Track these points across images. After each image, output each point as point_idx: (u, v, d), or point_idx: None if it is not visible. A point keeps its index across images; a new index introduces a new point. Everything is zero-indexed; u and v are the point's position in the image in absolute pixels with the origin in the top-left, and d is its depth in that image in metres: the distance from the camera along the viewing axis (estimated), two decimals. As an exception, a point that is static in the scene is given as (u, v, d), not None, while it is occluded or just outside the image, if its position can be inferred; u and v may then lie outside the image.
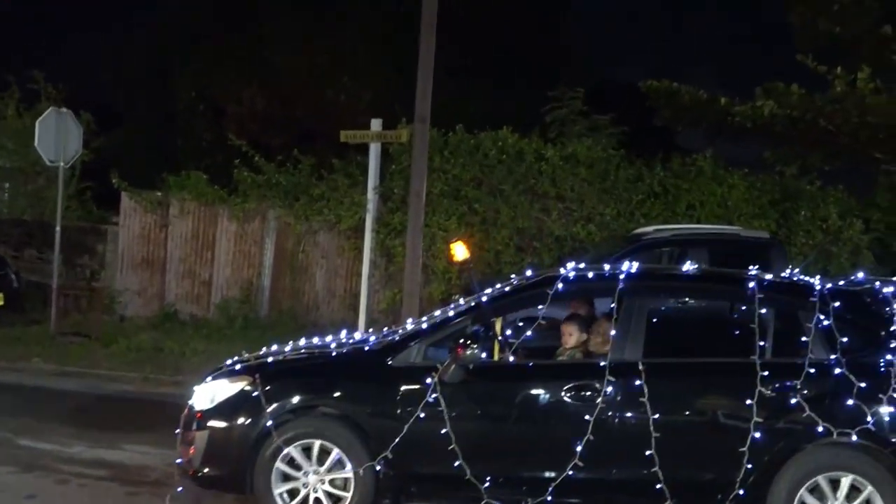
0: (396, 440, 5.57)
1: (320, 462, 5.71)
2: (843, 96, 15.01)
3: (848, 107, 15.07)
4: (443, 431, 5.54)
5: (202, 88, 21.87)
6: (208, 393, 6.00)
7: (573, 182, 13.01)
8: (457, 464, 5.53)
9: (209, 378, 6.17)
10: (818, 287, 5.75)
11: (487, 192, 12.78)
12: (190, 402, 6.05)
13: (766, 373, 5.42)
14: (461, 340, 5.89)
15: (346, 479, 5.70)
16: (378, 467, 5.62)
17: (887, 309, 5.70)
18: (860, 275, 6.23)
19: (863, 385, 5.30)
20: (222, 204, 13.96)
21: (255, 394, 5.76)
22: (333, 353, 6.25)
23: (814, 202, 14.07)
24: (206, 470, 5.86)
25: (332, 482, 5.74)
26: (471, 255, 9.83)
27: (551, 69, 20.14)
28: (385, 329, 6.95)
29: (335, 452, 5.70)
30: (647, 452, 5.40)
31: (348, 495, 5.69)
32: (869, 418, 5.24)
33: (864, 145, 16.35)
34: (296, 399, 5.82)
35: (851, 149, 16.77)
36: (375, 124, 12.39)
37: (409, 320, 7.02)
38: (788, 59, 16.08)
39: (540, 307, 5.97)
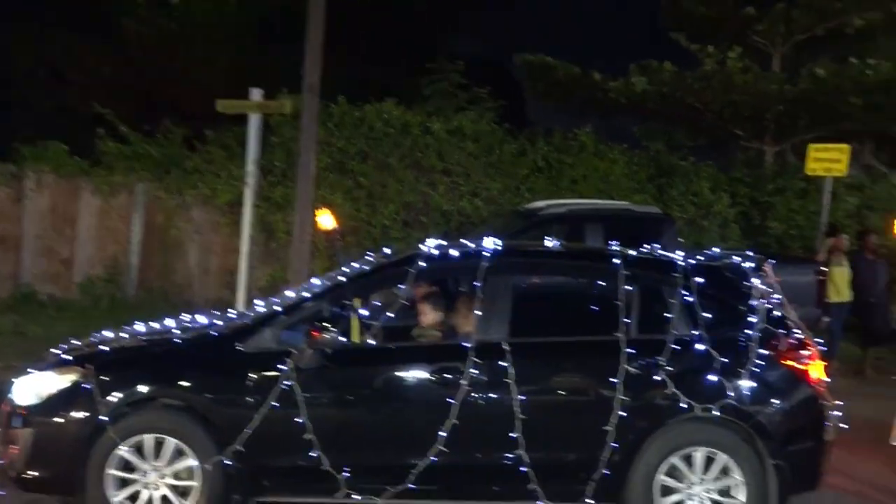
0: (247, 432, 5.27)
1: (160, 456, 5.34)
2: (712, 75, 15.47)
3: (715, 85, 15.54)
4: (298, 420, 5.28)
5: (41, 53, 20.18)
6: (32, 386, 5.46)
7: (459, 156, 12.83)
8: (313, 454, 5.30)
9: (33, 369, 5.60)
10: (681, 263, 5.76)
11: (373, 165, 12.39)
12: (9, 397, 5.49)
13: (631, 350, 5.42)
14: (318, 323, 5.65)
15: (191, 472, 5.35)
16: (227, 461, 5.29)
17: (746, 284, 5.75)
18: (716, 249, 6.31)
19: (724, 360, 5.38)
20: (84, 177, 12.93)
21: (88, 386, 5.31)
22: (177, 339, 5.79)
23: (687, 178, 14.40)
24: (31, 472, 5.39)
25: (176, 475, 5.36)
26: (339, 225, 9.44)
27: (430, 41, 19.94)
28: (233, 311, 6.55)
29: (175, 444, 5.32)
30: (512, 435, 5.31)
31: (196, 485, 5.32)
32: (730, 393, 5.33)
33: (727, 122, 16.97)
34: (134, 390, 5.38)
35: (715, 126, 17.41)
36: (255, 94, 11.67)
37: (261, 301, 6.51)
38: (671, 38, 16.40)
39: (401, 286, 5.79)
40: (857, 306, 11.24)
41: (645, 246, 6.36)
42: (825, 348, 11.05)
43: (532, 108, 22.79)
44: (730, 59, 15.18)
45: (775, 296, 5.80)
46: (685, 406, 5.32)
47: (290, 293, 6.26)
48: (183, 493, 5.36)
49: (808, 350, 5.60)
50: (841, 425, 5.64)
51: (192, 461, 5.34)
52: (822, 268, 11.01)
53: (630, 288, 5.62)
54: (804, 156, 19.31)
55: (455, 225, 12.46)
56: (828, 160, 12.54)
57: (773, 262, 12.01)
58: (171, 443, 5.34)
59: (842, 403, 5.70)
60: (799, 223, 15.12)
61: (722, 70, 15.35)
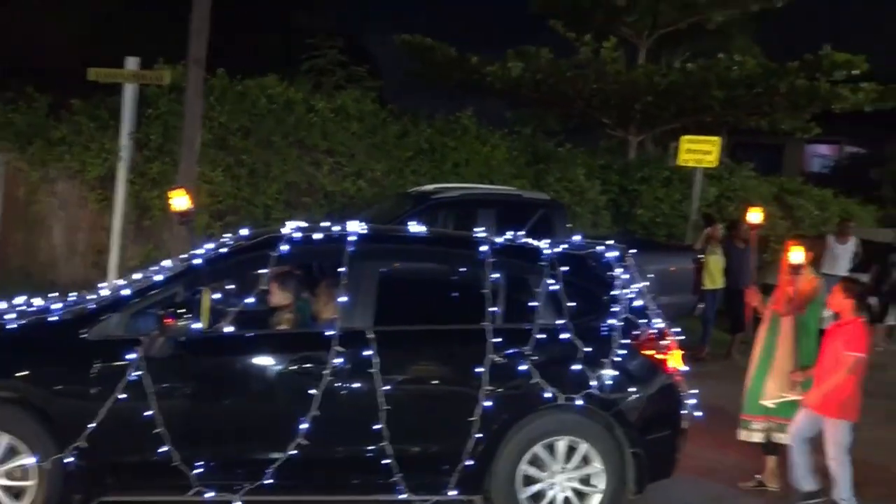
0: (90, 426, 4.95)
1: None
2: (587, 63, 15.80)
3: (589, 74, 15.89)
4: (147, 414, 5.01)
5: None
6: None
7: (343, 136, 12.56)
8: (163, 449, 5.03)
9: None
10: (547, 251, 5.75)
11: (256, 142, 11.95)
12: None
13: (497, 339, 5.38)
14: (170, 309, 5.27)
15: (25, 471, 5.00)
16: (68, 458, 4.96)
17: (609, 273, 5.80)
18: (577, 238, 6.37)
19: (587, 350, 5.42)
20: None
21: None
22: (11, 325, 5.29)
23: (563, 164, 14.67)
24: None
25: (8, 475, 5.01)
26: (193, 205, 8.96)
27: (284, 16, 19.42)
28: (74, 295, 6.00)
29: (7, 441, 4.97)
30: (376, 427, 5.20)
31: (31, 485, 4.99)
32: (593, 382, 5.38)
33: (596, 110, 17.42)
34: None
35: (584, 113, 17.82)
36: (131, 62, 11.07)
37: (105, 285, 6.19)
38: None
39: (262, 270, 5.58)
40: (727, 293, 11.79)
41: (539, 232, 6.61)
42: (705, 334, 11.73)
43: (388, 88, 22.65)
44: (605, 49, 15.56)
45: (637, 285, 5.87)
46: (549, 396, 5.33)
47: (139, 276, 5.88)
48: (17, 494, 4.99)
49: (667, 340, 5.71)
50: (696, 413, 5.80)
51: (26, 459, 4.97)
52: (699, 256, 11.48)
53: (497, 276, 5.57)
54: (665, 145, 20.25)
55: (339, 207, 12.20)
56: (699, 152, 13.09)
57: (657, 250, 12.52)
58: (2, 439, 4.96)
59: (697, 391, 5.86)
60: (664, 211, 15.72)
61: (596, 59, 15.72)
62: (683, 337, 5.79)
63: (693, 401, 5.75)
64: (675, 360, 5.71)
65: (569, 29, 16.50)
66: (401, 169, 12.98)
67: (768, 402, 6.45)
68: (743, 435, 6.68)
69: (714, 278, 11.54)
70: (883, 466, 7.60)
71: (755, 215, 7.40)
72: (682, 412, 5.70)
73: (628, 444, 5.48)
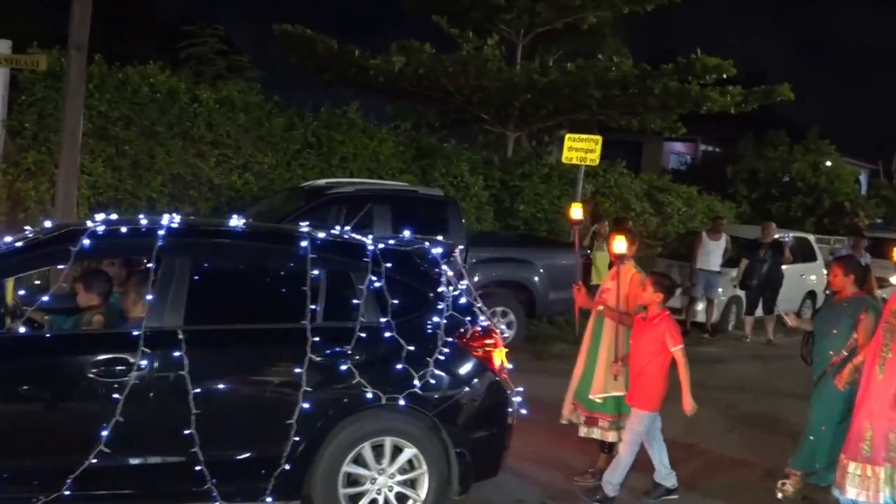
0: None
1: None
2: (469, 60, 15.96)
3: (470, 70, 16.05)
4: None
5: None
6: None
7: (229, 128, 12.24)
8: None
9: None
10: (371, 247, 5.50)
11: (138, 133, 11.49)
12: None
13: (316, 339, 5.13)
14: None
15: None
16: None
17: (436, 270, 5.63)
18: (407, 234, 6.17)
19: (412, 348, 5.23)
20: None
21: None
22: None
23: (448, 160, 14.79)
24: None
25: None
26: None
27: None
28: None
29: None
30: (186, 432, 4.86)
31: None
32: (416, 382, 5.18)
33: (475, 107, 17.62)
34: None
35: (463, 108, 17.99)
36: (3, 45, 10.49)
37: None
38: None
39: (61, 266, 5.34)
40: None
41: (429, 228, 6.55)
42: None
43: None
44: (487, 47, 15.75)
45: (463, 283, 5.74)
46: (371, 396, 5.11)
47: None
48: None
49: (493, 338, 5.59)
50: (522, 411, 5.69)
51: None
52: (588, 251, 11.81)
53: (318, 272, 5.29)
54: (541, 141, 20.68)
55: (226, 200, 11.90)
56: (582, 150, 13.42)
57: (547, 246, 12.74)
58: None
59: (522, 390, 5.73)
60: (544, 207, 16.09)
61: (478, 56, 15.89)
62: (508, 335, 5.90)
63: (519, 398, 5.64)
64: (500, 358, 5.58)
65: (452, 25, 16.60)
66: (288, 162, 12.78)
67: (595, 397, 6.42)
68: (583, 432, 6.59)
69: (601, 274, 11.87)
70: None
71: (576, 211, 7.44)
72: (507, 410, 5.57)
73: (453, 444, 5.32)
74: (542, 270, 11.28)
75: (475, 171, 15.20)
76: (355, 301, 5.30)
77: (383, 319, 5.28)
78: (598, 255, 11.94)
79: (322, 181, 11.38)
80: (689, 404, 5.98)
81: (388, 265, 5.38)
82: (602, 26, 19.39)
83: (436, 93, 17.12)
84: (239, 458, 5.06)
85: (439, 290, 5.50)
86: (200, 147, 11.98)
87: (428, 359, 5.24)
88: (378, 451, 5.27)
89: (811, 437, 6.51)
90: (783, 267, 13.70)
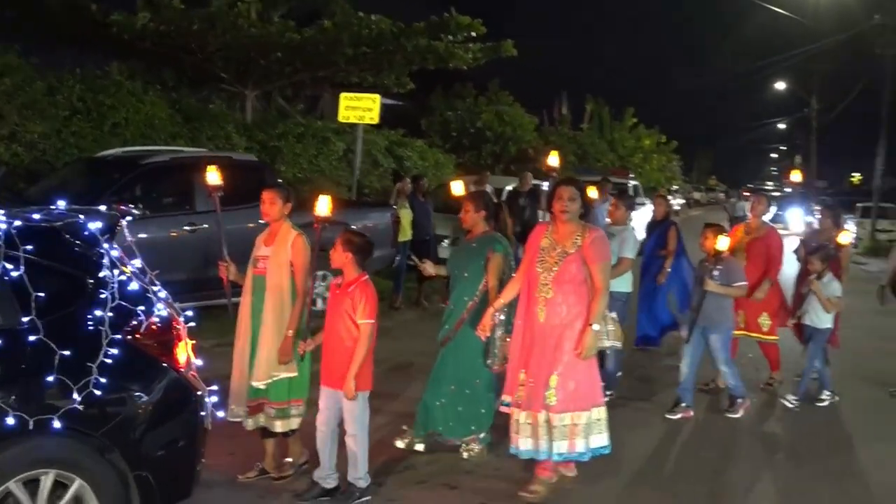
0: None
1: None
2: (219, 15, 15.33)
3: (218, 27, 15.44)
4: None
5: None
6: None
7: (-10, 95, 10.87)
8: None
9: None
10: (2, 225, 4.11)
11: None
12: None
13: None
14: None
15: None
16: None
17: (96, 250, 4.38)
18: (62, 204, 4.59)
19: (67, 353, 3.96)
20: None
21: None
22: None
23: (216, 122, 14.22)
24: None
25: None
26: None
27: None
28: None
29: None
30: None
31: None
32: (76, 396, 3.96)
33: (214, 65, 16.97)
34: None
35: (200, 68, 17.23)
36: None
37: None
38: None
39: None
40: (414, 244, 12.51)
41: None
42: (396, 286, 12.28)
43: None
44: (242, 4, 15.19)
45: (133, 264, 4.53)
46: (14, 422, 3.81)
47: None
48: None
49: (175, 330, 4.53)
50: (220, 413, 4.90)
51: None
52: (395, 210, 12.02)
53: None
54: (288, 99, 20.30)
55: (-1, 173, 10.59)
56: (360, 108, 13.52)
57: (358, 207, 12.77)
58: None
59: (216, 388, 4.84)
60: (304, 166, 16.00)
61: (230, 12, 15.28)
62: (194, 323, 4.66)
63: (214, 399, 4.72)
64: (184, 353, 4.55)
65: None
66: (59, 131, 11.59)
67: (259, 384, 5.45)
68: (249, 424, 5.60)
69: (405, 231, 12.16)
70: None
71: (212, 175, 6.07)
72: (199, 415, 4.57)
73: (130, 468, 4.19)
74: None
75: (240, 133, 14.72)
76: None
77: (25, 319, 3.98)
78: (401, 212, 12.19)
79: (118, 150, 10.51)
80: (350, 388, 5.13)
81: (29, 247, 4.06)
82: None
83: (177, 52, 16.20)
84: None
85: (100, 274, 4.28)
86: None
87: (90, 364, 4.03)
88: (32, 488, 3.98)
89: (468, 392, 6.08)
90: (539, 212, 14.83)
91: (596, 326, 5.32)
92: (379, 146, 18.45)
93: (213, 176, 6.06)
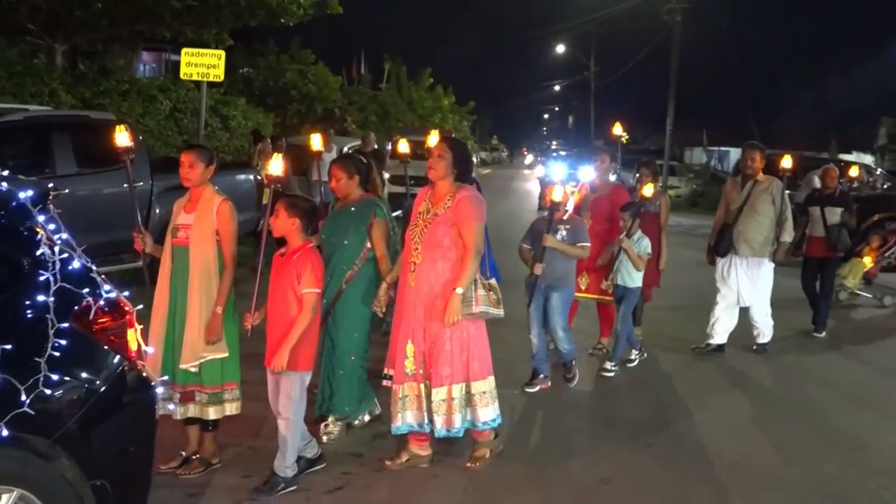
0: None
1: None
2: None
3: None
4: None
5: None
6: None
7: None
8: None
9: None
10: None
11: None
12: None
13: None
14: None
15: None
16: None
17: (28, 224, 3.66)
18: None
19: (7, 347, 3.32)
20: None
21: None
22: None
23: (38, 76, 13.13)
24: None
25: None
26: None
27: None
28: None
29: None
30: None
31: None
32: (23, 397, 3.31)
33: (21, 16, 15.70)
34: None
35: (7, 19, 15.88)
36: None
37: None
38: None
39: None
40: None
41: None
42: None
43: None
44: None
45: (63, 237, 3.71)
46: None
47: None
48: None
49: (124, 313, 3.82)
50: (170, 406, 4.74)
51: None
52: (257, 171, 11.59)
53: None
54: (94, 54, 18.93)
55: None
56: (204, 65, 12.87)
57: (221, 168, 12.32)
58: None
59: (166, 379, 4.73)
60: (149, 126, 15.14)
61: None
62: (141, 305, 4.15)
63: (163, 390, 4.34)
64: (135, 339, 3.91)
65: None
66: None
67: (189, 366, 4.93)
68: (179, 413, 5.05)
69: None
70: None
71: (122, 136, 5.34)
72: (153, 408, 3.99)
73: (87, 475, 3.54)
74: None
75: (65, 89, 13.64)
76: None
77: None
78: (263, 173, 11.78)
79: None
80: (281, 361, 4.72)
81: None
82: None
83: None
84: None
85: (38, 253, 3.59)
86: None
87: (37, 359, 3.40)
88: None
89: (341, 372, 5.63)
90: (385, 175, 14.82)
91: (459, 290, 4.94)
92: (207, 104, 17.66)
93: (124, 137, 5.27)
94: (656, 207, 8.21)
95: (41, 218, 3.60)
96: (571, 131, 77.30)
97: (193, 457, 5.15)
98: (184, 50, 13.14)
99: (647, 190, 7.55)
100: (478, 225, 5.03)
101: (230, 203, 5.06)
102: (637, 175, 8.50)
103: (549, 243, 6.62)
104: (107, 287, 3.74)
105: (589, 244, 6.99)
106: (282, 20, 16.53)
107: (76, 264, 3.64)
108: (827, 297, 9.62)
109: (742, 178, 8.22)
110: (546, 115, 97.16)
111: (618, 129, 9.19)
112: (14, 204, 3.62)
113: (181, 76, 13.26)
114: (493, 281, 5.22)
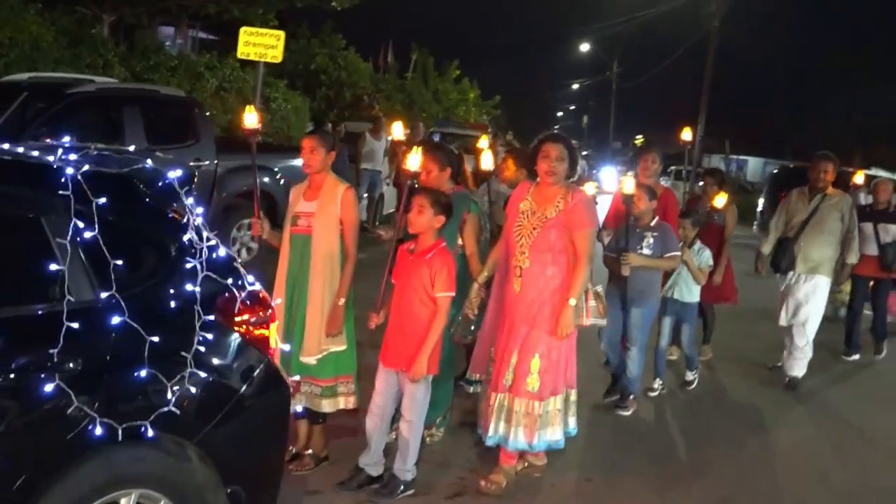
0: None
1: None
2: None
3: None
4: None
5: None
6: None
7: None
8: None
9: None
10: (70, 170, 3.08)
11: None
12: None
13: None
14: None
15: None
16: None
17: (175, 205, 3.48)
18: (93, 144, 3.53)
19: (156, 340, 3.05)
20: None
21: None
22: None
23: (96, 48, 13.05)
24: None
25: None
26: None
27: None
28: None
29: None
30: None
31: None
32: (170, 395, 3.10)
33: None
34: None
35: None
36: None
37: None
38: None
39: None
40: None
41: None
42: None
43: None
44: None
45: (196, 221, 3.43)
46: (101, 431, 2.93)
47: None
48: None
49: (265, 307, 3.64)
50: (297, 408, 4.76)
51: None
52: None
53: None
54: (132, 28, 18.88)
55: None
56: (262, 45, 12.71)
57: (279, 151, 12.30)
58: None
59: (297, 379, 4.74)
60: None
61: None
62: (280, 300, 4.22)
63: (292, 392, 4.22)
64: (274, 337, 3.68)
65: None
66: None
67: (309, 359, 4.81)
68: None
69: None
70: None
71: (250, 117, 5.01)
72: (287, 410, 3.81)
73: (224, 482, 3.35)
74: (280, 177, 10.79)
75: (115, 61, 13.56)
76: (52, 266, 2.96)
77: (104, 294, 3.03)
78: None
79: (24, 75, 9.39)
80: (421, 369, 4.59)
81: (101, 200, 3.04)
82: None
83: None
84: None
85: (185, 238, 3.35)
86: None
87: (184, 354, 3.16)
88: None
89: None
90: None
91: (573, 301, 4.77)
92: (250, 84, 17.56)
93: (252, 118, 5.04)
94: (720, 218, 7.90)
95: (189, 200, 3.38)
96: (585, 131, 76.98)
97: (304, 452, 5.05)
98: (242, 29, 12.98)
99: (720, 200, 7.37)
100: (591, 231, 4.90)
101: (354, 191, 4.96)
102: (701, 183, 8.29)
103: (634, 262, 6.16)
104: (249, 278, 3.53)
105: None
106: (332, 3, 16.40)
107: (221, 252, 3.44)
108: (881, 320, 9.50)
109: (809, 190, 7.85)
110: (560, 113, 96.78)
111: (686, 135, 8.88)
112: (162, 182, 3.38)
113: (238, 55, 13.10)
114: (598, 288, 5.08)
